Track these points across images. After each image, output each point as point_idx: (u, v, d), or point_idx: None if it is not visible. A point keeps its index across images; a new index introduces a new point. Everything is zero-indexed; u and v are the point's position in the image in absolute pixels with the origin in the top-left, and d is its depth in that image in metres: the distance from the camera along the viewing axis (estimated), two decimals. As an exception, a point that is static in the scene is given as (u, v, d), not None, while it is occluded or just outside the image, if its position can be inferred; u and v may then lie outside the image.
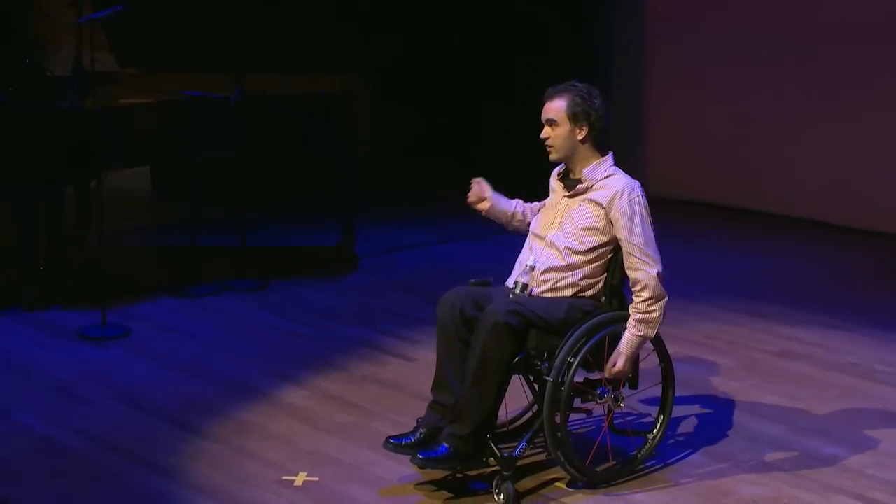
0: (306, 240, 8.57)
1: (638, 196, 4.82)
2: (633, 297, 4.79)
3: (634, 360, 4.85)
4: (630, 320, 4.79)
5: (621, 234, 4.80)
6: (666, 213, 9.49)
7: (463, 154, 10.15)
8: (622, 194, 4.80)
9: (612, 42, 10.01)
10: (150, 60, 7.95)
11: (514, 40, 9.98)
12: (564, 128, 4.84)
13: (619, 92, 10.02)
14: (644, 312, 4.77)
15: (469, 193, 5.11)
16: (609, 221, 4.81)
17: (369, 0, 10.43)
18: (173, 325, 6.78)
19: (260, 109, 7.36)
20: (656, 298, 4.78)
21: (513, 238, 5.21)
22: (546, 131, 4.88)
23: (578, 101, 4.84)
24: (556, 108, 4.85)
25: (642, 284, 4.77)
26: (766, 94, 9.27)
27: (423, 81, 10.51)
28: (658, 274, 4.77)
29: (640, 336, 4.79)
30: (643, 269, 4.77)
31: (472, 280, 5.00)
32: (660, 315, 4.80)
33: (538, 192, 5.18)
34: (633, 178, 4.88)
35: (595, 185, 4.86)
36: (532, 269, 4.85)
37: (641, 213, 4.81)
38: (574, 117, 4.83)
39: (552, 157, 4.91)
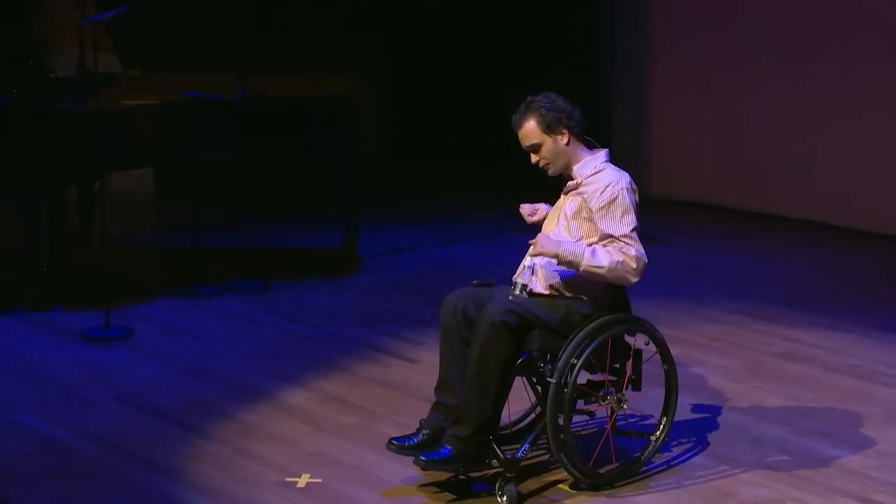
0: (309, 241, 8.56)
1: (622, 189, 4.75)
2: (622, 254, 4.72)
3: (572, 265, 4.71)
4: (600, 246, 4.71)
5: (601, 225, 4.74)
6: (669, 215, 9.59)
7: (465, 155, 10.16)
8: (605, 188, 4.76)
9: (616, 43, 10.00)
10: (154, 62, 7.96)
11: (517, 41, 9.97)
12: (547, 143, 4.82)
13: (623, 93, 10.03)
14: (621, 258, 4.68)
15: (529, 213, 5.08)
16: (593, 212, 4.77)
17: (371, 1, 10.45)
18: (176, 326, 6.78)
19: (263, 111, 7.36)
20: (634, 269, 4.70)
21: (514, 239, 5.21)
22: (534, 157, 4.87)
23: (545, 112, 4.80)
24: (529, 130, 4.82)
25: (627, 256, 4.71)
26: (769, 95, 9.26)
27: (424, 82, 10.50)
28: (637, 254, 4.70)
29: (584, 260, 4.67)
30: (625, 251, 4.71)
31: (475, 281, 5.00)
32: (623, 272, 4.68)
33: (539, 192, 5.20)
34: (625, 173, 4.82)
35: (584, 182, 4.84)
36: (533, 270, 4.85)
37: (623, 203, 4.73)
38: (550, 128, 4.80)
39: (551, 173, 4.89)
